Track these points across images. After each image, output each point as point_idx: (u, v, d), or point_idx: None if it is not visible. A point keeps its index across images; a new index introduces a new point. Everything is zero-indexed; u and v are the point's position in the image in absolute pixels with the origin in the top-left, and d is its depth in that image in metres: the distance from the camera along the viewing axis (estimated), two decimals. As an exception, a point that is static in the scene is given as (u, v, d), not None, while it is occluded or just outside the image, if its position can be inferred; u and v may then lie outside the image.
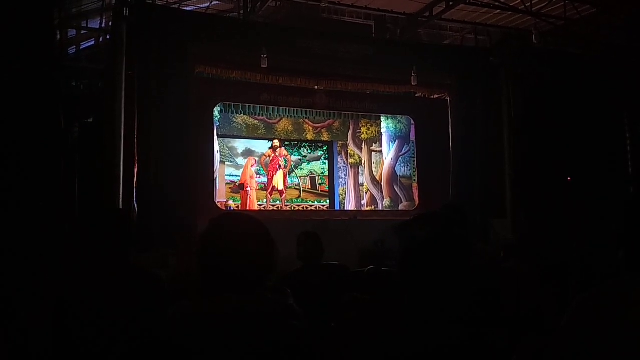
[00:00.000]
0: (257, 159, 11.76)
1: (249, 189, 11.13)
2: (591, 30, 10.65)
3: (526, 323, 2.65)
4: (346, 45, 9.62)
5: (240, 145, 11.91)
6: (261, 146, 12.09)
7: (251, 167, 11.39)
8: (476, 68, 10.25)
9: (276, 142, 11.89)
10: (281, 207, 11.69)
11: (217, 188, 10.83)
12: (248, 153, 11.92)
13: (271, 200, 11.76)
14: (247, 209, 10.82)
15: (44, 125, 6.51)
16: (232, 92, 10.34)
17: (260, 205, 11.60)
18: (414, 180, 11.88)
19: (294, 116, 11.69)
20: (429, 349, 1.55)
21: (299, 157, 12.52)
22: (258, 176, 11.93)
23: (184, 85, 8.28)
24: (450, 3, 9.79)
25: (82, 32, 10.42)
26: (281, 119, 11.97)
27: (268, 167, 11.80)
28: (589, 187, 9.58)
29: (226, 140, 11.60)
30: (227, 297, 1.66)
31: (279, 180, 11.72)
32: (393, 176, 12.20)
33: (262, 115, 11.60)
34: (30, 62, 6.43)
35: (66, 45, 9.52)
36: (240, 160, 11.84)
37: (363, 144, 12.61)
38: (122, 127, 7.69)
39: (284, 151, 12.00)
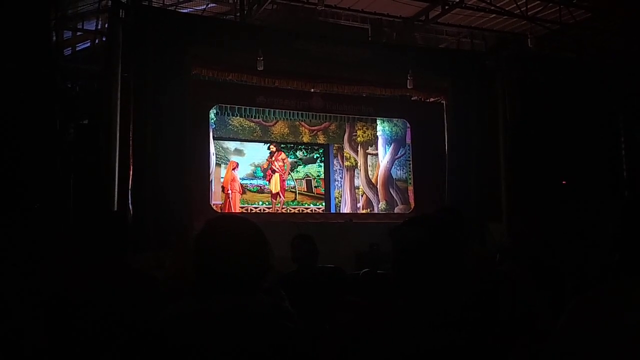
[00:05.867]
0: (238, 162, 11.73)
1: (229, 192, 11.12)
2: (586, 35, 10.70)
3: (521, 326, 2.65)
4: (342, 48, 9.64)
5: (231, 145, 11.92)
6: (253, 147, 12.10)
7: (232, 170, 11.39)
8: (472, 72, 10.28)
9: (272, 147, 11.96)
10: (278, 210, 11.71)
11: (213, 190, 10.82)
12: (238, 153, 11.93)
13: (260, 203, 11.80)
14: (229, 211, 10.80)
15: (40, 126, 6.50)
16: (228, 95, 10.34)
17: (255, 207, 11.63)
18: (410, 183, 11.89)
19: (290, 119, 11.71)
20: (423, 352, 1.55)
21: (295, 160, 12.52)
22: (254, 178, 11.96)
23: (180, 88, 8.27)
24: (446, 7, 9.82)
25: (78, 33, 10.40)
26: (277, 121, 11.98)
27: (266, 171, 11.90)
28: (585, 190, 9.61)
29: (220, 141, 11.61)
30: (221, 298, 1.66)
31: (274, 184, 11.78)
32: (389, 179, 12.21)
33: (258, 118, 11.61)
34: (26, 63, 6.42)
35: (62, 47, 9.49)
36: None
37: (359, 147, 12.62)
38: (118, 128, 7.68)
39: (282, 154, 12.05)
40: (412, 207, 11.56)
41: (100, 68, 8.41)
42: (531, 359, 2.28)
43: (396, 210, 11.97)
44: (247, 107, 10.81)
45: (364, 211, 12.28)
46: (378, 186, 12.29)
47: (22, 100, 6.31)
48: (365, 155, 12.61)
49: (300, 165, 12.61)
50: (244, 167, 11.79)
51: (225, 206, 10.98)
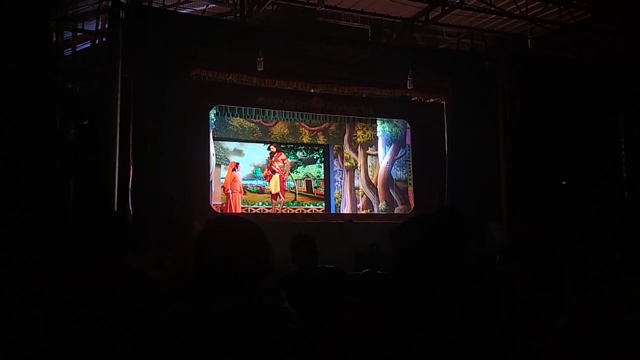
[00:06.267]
0: (238, 162, 11.73)
1: (230, 191, 11.12)
2: (586, 35, 10.70)
3: (521, 326, 2.65)
4: (342, 48, 9.64)
5: (231, 145, 11.92)
6: (253, 148, 12.10)
7: (232, 170, 11.39)
8: (472, 72, 10.29)
9: (273, 148, 11.95)
10: (278, 211, 11.71)
11: (213, 191, 10.82)
12: (238, 153, 11.93)
13: (260, 203, 11.81)
14: (230, 211, 10.80)
15: (40, 126, 6.50)
16: (228, 95, 10.35)
17: (255, 208, 11.63)
18: (410, 183, 11.89)
19: (290, 119, 11.70)
20: (423, 352, 1.55)
21: (295, 160, 12.53)
22: (254, 179, 11.96)
23: (180, 88, 8.28)
24: (446, 8, 9.81)
25: (78, 34, 10.40)
26: (277, 122, 11.98)
27: (265, 171, 11.90)
28: (585, 190, 9.61)
29: (220, 141, 11.61)
30: (221, 298, 1.67)
31: (274, 184, 11.78)
32: (389, 180, 12.21)
33: (258, 118, 11.61)
34: (26, 63, 6.42)
35: (62, 47, 9.49)
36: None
37: (359, 148, 12.62)
38: (118, 129, 7.69)
39: (282, 155, 12.05)
40: (412, 207, 11.56)
41: (100, 68, 8.42)
42: (531, 359, 2.28)
43: (396, 210, 11.96)
44: (247, 108, 10.82)
45: (363, 212, 12.28)
46: (378, 187, 12.29)
47: (22, 100, 6.31)
48: (365, 155, 12.61)
49: (300, 165, 12.60)
50: (244, 168, 11.79)
51: (226, 206, 10.99)
